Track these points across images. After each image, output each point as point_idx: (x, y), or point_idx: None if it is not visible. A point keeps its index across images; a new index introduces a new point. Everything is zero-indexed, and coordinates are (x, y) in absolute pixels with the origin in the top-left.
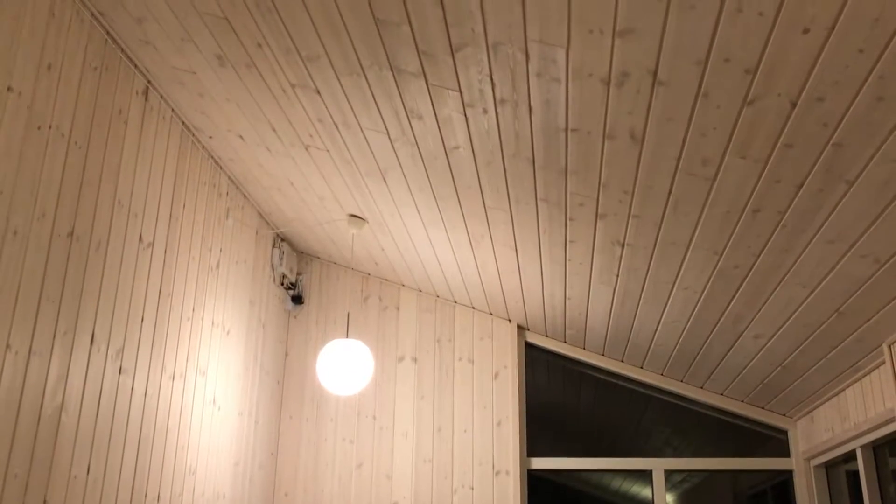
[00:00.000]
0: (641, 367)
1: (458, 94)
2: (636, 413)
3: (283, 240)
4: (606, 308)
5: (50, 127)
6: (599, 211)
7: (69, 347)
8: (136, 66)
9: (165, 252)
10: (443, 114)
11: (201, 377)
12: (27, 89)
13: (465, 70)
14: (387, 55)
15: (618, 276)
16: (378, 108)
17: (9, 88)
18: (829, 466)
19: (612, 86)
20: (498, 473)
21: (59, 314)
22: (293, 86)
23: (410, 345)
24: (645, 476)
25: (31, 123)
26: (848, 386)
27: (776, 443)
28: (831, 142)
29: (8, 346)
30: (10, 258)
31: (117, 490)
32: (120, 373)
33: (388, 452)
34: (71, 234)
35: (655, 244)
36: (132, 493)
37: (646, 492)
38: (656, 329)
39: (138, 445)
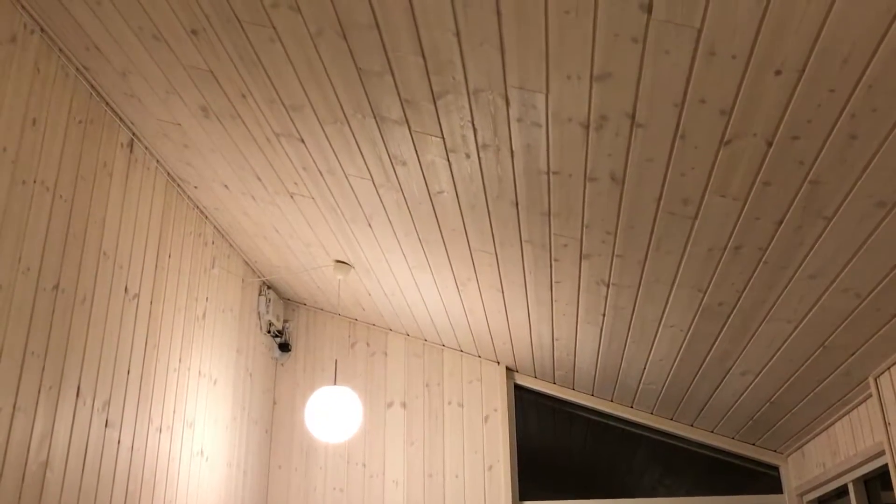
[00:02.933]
0: (631, 407)
1: (441, 139)
2: (628, 453)
3: (269, 287)
4: (594, 348)
5: (35, 181)
6: (583, 251)
7: (54, 402)
8: (120, 118)
9: (151, 303)
10: (426, 159)
11: (188, 429)
12: (12, 145)
13: (447, 116)
14: (370, 103)
15: (604, 315)
16: (362, 155)
17: None
18: (823, 502)
19: (591, 129)
20: None
21: (44, 369)
22: (277, 135)
23: (399, 390)
24: None
25: (16, 178)
26: (837, 420)
27: (768, 479)
28: (808, 179)
29: None
30: (1, 315)
31: None
32: (106, 426)
33: (379, 500)
34: (56, 287)
35: (640, 283)
36: None
37: None
38: (644, 368)
39: (125, 500)
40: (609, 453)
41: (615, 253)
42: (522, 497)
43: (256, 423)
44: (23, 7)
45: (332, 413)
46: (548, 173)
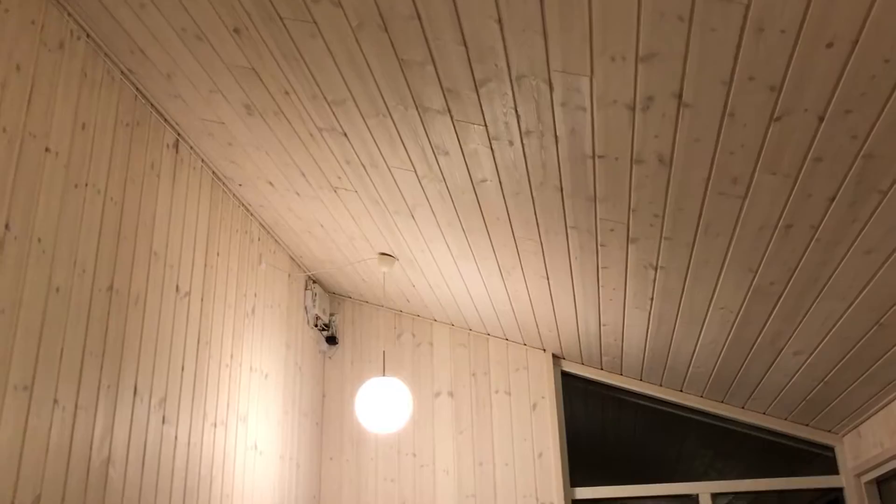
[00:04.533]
0: (681, 391)
1: (484, 128)
2: (678, 437)
3: (314, 282)
4: (642, 332)
5: (86, 185)
6: (630, 235)
7: (113, 400)
8: (165, 119)
9: (202, 301)
10: (469, 148)
11: (242, 423)
12: (63, 149)
13: (489, 104)
14: (412, 94)
15: (652, 299)
16: (405, 147)
17: (46, 149)
18: (881, 482)
19: (637, 111)
20: None
21: (102, 368)
22: (320, 130)
23: (446, 380)
24: (691, 501)
25: (69, 182)
26: (894, 399)
27: (823, 460)
28: (861, 153)
29: (55, 401)
30: (54, 315)
31: None
32: (163, 423)
33: (431, 490)
34: (110, 288)
35: (689, 266)
36: None
37: None
38: (694, 351)
39: (184, 494)
40: (659, 438)
41: (663, 236)
42: (574, 484)
43: (307, 415)
44: (69, 14)
45: (382, 404)
46: (593, 157)
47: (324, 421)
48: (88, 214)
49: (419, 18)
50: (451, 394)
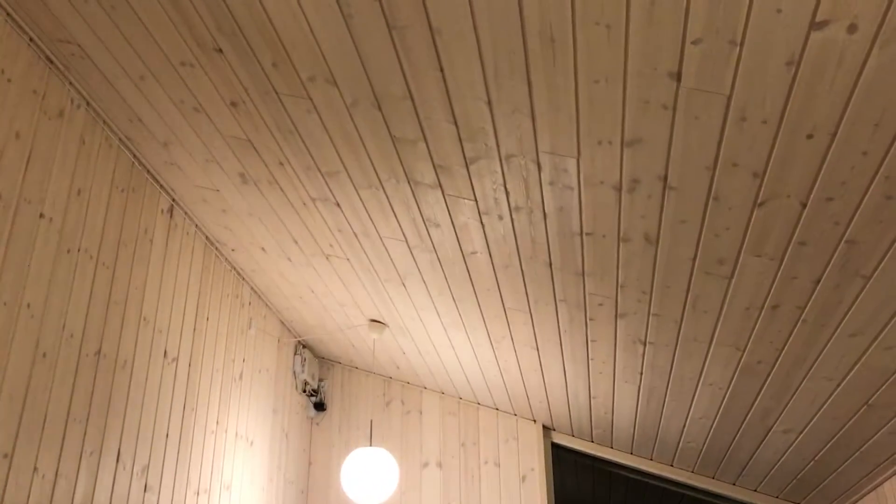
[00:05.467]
0: (671, 465)
1: (474, 202)
2: None
3: (304, 346)
4: (632, 406)
5: (79, 250)
6: (619, 311)
7: (95, 467)
8: (161, 186)
9: (190, 366)
10: (459, 221)
11: (226, 491)
12: (58, 215)
13: (479, 180)
14: (403, 169)
15: (642, 374)
16: (396, 218)
17: (41, 215)
18: None
19: (623, 192)
20: None
21: (85, 435)
22: (314, 199)
23: (435, 449)
24: None
25: (62, 247)
26: (886, 479)
27: None
28: (844, 239)
29: (35, 469)
30: (39, 381)
31: None
32: (145, 491)
33: None
34: (98, 352)
35: (677, 341)
36: None
37: None
38: (684, 426)
39: None
40: None
41: (651, 312)
42: None
43: (292, 483)
44: (70, 83)
45: (368, 475)
46: (581, 234)
47: (309, 489)
48: (79, 279)
49: (412, 98)
50: (439, 464)
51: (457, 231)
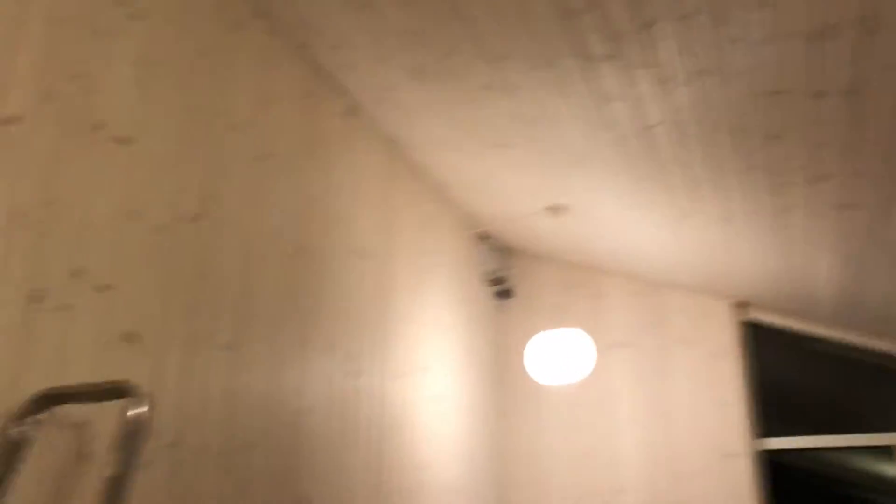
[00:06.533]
0: (876, 336)
1: (653, 70)
2: (873, 385)
3: (487, 237)
4: (833, 275)
5: (273, 155)
6: (816, 173)
7: (308, 356)
8: (340, 89)
9: (382, 260)
10: (637, 93)
11: (424, 374)
12: (250, 125)
13: (657, 46)
14: (577, 44)
15: (843, 239)
16: (572, 97)
17: (234, 128)
18: None
19: (817, 41)
20: (728, 456)
21: (296, 326)
22: (487, 86)
23: (622, 331)
24: (886, 452)
25: (258, 153)
26: None
27: None
28: None
29: (256, 358)
30: (249, 277)
31: (358, 484)
32: (353, 375)
33: (613, 441)
34: (300, 250)
35: (883, 202)
36: (372, 487)
37: (890, 469)
38: (890, 292)
39: (378, 440)
40: (853, 386)
41: (853, 172)
42: (762, 435)
43: (485, 369)
44: None
45: (558, 356)
46: (770, 94)
47: (502, 374)
48: (276, 184)
49: None
50: (628, 345)
51: (635, 104)
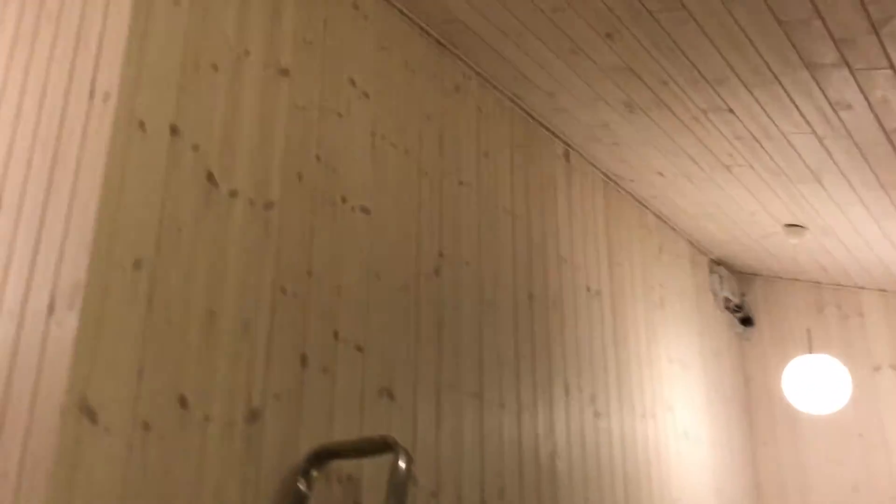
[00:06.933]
0: None
1: (891, 71)
2: None
3: (719, 263)
4: None
5: (496, 207)
6: None
7: (549, 399)
8: (554, 133)
9: (612, 297)
10: (875, 96)
11: (669, 413)
12: (473, 179)
13: (894, 44)
14: (799, 54)
15: None
16: (799, 110)
17: (460, 182)
18: None
19: None
20: None
21: (534, 370)
22: (704, 112)
23: (886, 352)
24: None
25: (482, 206)
26: None
27: None
28: None
29: (501, 405)
30: (486, 324)
31: None
32: (596, 417)
33: (886, 472)
34: (530, 296)
35: None
36: None
37: None
38: None
39: (624, 481)
40: None
41: None
42: None
43: (732, 401)
44: (460, 59)
45: (814, 383)
46: None
47: (751, 405)
48: (502, 233)
49: None
50: (894, 366)
51: (874, 108)
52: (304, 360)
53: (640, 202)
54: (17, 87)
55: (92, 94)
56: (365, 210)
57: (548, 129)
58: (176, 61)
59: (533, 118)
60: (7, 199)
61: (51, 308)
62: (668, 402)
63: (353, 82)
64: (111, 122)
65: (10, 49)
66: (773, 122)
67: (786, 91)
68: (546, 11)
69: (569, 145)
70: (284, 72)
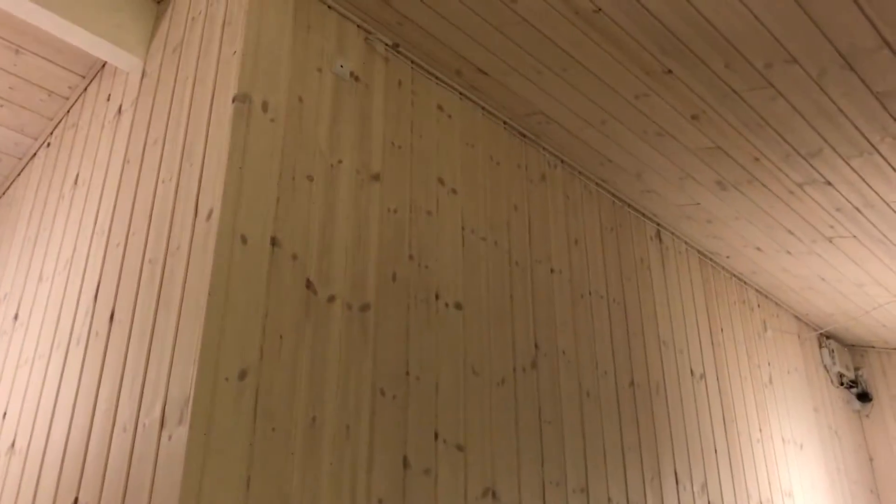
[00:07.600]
0: None
1: None
2: None
3: (828, 338)
4: None
5: (590, 293)
6: None
7: (659, 491)
8: (643, 214)
9: (717, 379)
10: None
11: (788, 499)
12: (564, 266)
13: None
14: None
15: None
16: None
17: (551, 270)
18: None
19: None
20: None
21: (642, 461)
22: (800, 185)
23: None
24: None
25: (575, 294)
26: None
27: None
28: None
29: (609, 499)
30: (589, 417)
31: None
32: None
33: None
34: (632, 383)
35: None
36: None
37: None
38: None
39: None
40: None
41: None
42: None
43: (857, 483)
44: (544, 149)
45: None
46: None
47: (878, 486)
48: (597, 319)
49: (888, 46)
50: None
51: None
52: (405, 463)
53: (738, 278)
54: (128, 204)
55: (196, 212)
56: (458, 306)
57: (637, 210)
58: (273, 175)
59: (621, 200)
60: (119, 315)
61: (162, 422)
62: (786, 486)
63: (441, 181)
64: (215, 237)
65: (120, 173)
66: (874, 191)
67: (885, 159)
68: (629, 99)
69: (660, 225)
70: (376, 176)
